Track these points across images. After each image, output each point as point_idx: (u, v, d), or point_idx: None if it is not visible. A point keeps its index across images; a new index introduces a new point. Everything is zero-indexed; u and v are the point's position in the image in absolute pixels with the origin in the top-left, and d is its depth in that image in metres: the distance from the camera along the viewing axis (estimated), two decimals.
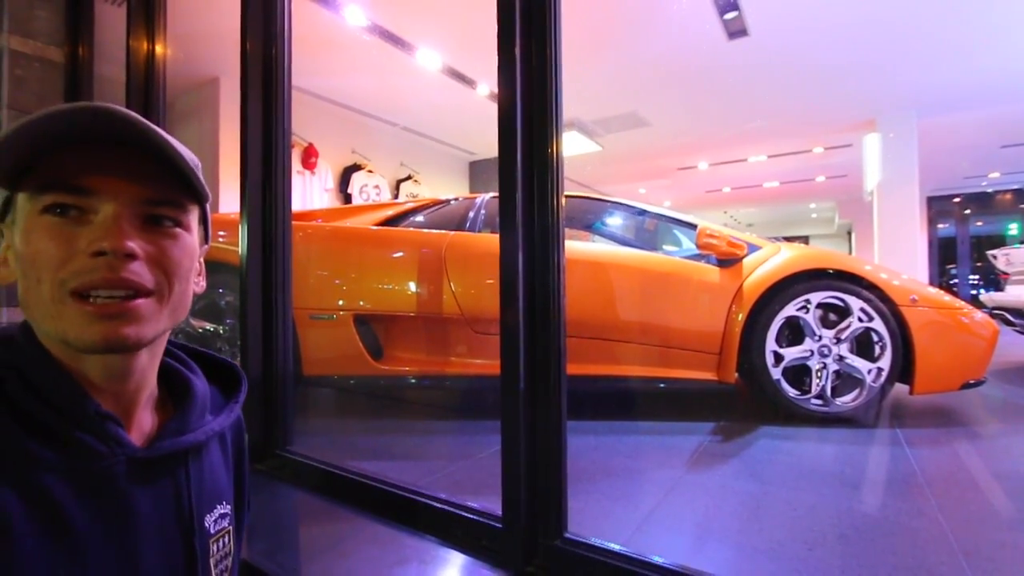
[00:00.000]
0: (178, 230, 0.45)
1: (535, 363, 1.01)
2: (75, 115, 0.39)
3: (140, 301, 0.42)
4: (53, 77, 2.14)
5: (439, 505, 1.11)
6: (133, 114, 0.41)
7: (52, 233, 0.40)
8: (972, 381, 2.01)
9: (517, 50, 1.02)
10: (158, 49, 1.93)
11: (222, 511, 0.51)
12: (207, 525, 0.49)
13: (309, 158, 4.75)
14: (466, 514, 1.07)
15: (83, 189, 0.40)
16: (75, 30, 2.18)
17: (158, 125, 1.53)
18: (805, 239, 13.59)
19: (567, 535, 0.97)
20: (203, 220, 0.50)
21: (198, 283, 0.50)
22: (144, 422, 0.48)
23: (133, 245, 0.41)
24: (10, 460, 0.37)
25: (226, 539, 0.51)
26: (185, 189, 0.45)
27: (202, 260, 0.51)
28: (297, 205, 1.60)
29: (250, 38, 1.53)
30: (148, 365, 0.47)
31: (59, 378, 0.41)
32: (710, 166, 7.47)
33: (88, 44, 2.18)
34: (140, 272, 0.42)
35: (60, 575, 0.37)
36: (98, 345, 0.41)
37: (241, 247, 1.51)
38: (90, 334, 0.40)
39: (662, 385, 2.13)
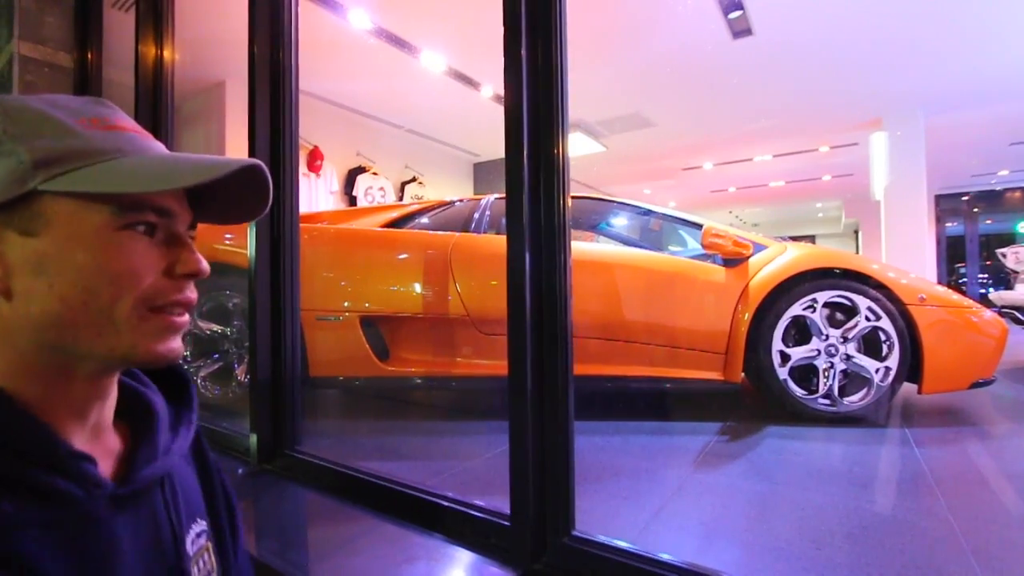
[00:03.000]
0: None
1: (542, 363, 1.01)
2: (249, 172, 0.43)
3: (188, 317, 0.45)
4: (62, 82, 2.17)
5: (447, 504, 1.12)
6: (265, 170, 0.45)
7: (141, 252, 0.40)
8: (981, 380, 2.00)
9: (523, 52, 1.03)
10: (166, 54, 1.95)
11: (198, 529, 0.49)
12: (188, 547, 0.47)
13: (314, 161, 4.78)
14: (474, 512, 1.07)
15: (165, 211, 0.41)
16: (84, 36, 2.21)
17: (167, 129, 1.54)
18: (811, 238, 13.52)
19: (575, 533, 0.98)
20: None
21: None
22: (112, 445, 0.45)
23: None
24: None
25: (206, 556, 0.49)
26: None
27: None
28: (302, 207, 1.62)
29: (257, 42, 1.54)
30: (115, 379, 0.45)
31: (20, 418, 0.36)
32: (715, 166, 7.45)
33: (97, 49, 2.21)
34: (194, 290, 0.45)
35: None
36: (164, 357, 0.42)
37: (250, 249, 1.52)
38: (160, 347, 0.41)
39: (668, 385, 2.12)
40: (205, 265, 0.43)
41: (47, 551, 0.34)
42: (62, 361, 0.39)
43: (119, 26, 2.21)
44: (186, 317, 0.44)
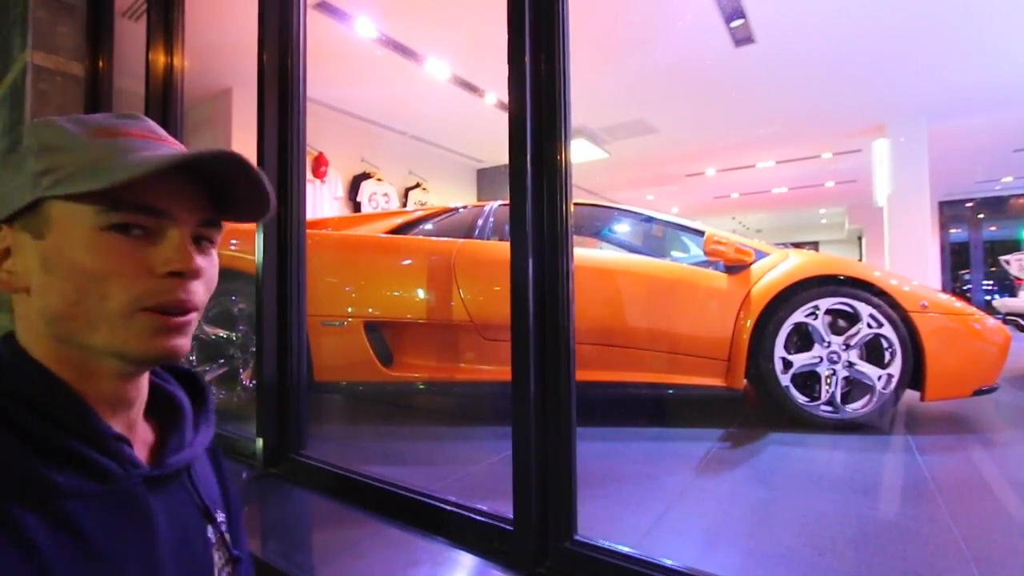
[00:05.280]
0: (213, 249, 0.48)
1: (545, 369, 1.02)
2: (221, 159, 0.42)
3: (191, 316, 0.44)
4: (74, 91, 2.20)
5: (451, 508, 1.13)
6: (246, 159, 0.43)
7: (124, 251, 0.41)
8: (984, 387, 2.00)
9: (527, 59, 1.05)
10: (176, 62, 1.98)
11: (219, 519, 0.52)
12: (211, 535, 0.50)
13: (319, 167, 4.82)
14: (478, 517, 1.08)
15: (155, 210, 0.41)
16: (95, 45, 2.25)
17: (176, 135, 1.56)
18: (815, 245, 13.50)
19: (577, 537, 0.98)
20: None
21: None
22: (144, 436, 0.48)
23: (201, 266, 0.44)
24: (31, 489, 0.36)
25: (223, 547, 0.52)
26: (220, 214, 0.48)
27: None
28: (307, 213, 1.64)
29: (267, 51, 1.57)
30: (145, 380, 0.48)
31: (69, 399, 0.40)
32: (718, 172, 7.46)
33: (108, 58, 2.25)
34: (198, 291, 0.45)
35: None
36: (159, 356, 0.43)
37: (257, 255, 1.54)
38: (154, 346, 0.42)
39: (671, 391, 2.13)
40: (191, 263, 0.42)
41: (93, 519, 0.38)
42: (83, 356, 0.42)
43: (130, 35, 2.24)
44: (183, 317, 0.43)
